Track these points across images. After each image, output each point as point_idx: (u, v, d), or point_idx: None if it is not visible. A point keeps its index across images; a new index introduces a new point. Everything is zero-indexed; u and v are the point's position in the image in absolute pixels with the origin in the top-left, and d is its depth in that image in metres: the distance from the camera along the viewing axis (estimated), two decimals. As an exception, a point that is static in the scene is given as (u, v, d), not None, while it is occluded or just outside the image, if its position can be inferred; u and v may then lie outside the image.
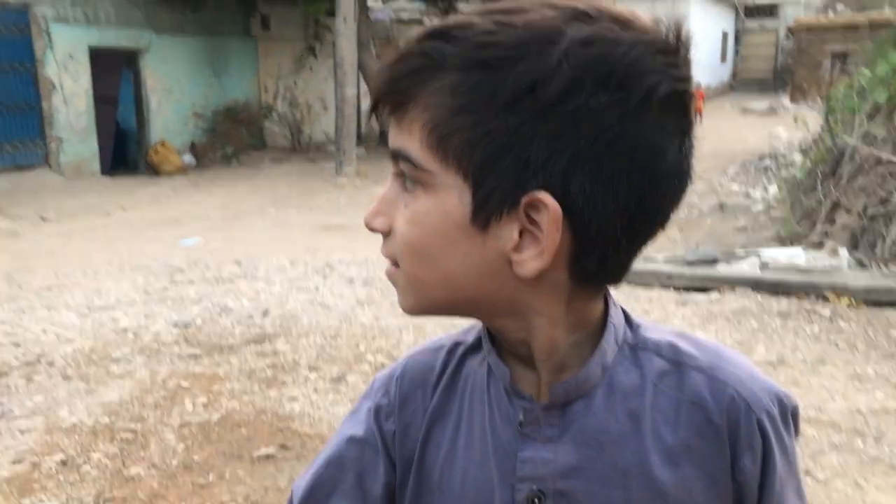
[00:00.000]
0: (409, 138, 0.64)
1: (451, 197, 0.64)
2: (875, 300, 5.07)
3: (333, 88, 13.31)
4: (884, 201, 6.02)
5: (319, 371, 4.20)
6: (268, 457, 3.26)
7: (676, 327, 0.77)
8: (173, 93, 14.45)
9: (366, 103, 16.55)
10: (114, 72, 13.62)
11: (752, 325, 4.75)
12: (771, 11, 33.31)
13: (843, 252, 5.75)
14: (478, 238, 0.64)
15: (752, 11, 33.57)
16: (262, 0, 15.11)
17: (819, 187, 6.71)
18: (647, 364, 0.72)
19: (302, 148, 16.44)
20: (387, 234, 0.69)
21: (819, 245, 6.11)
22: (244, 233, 8.36)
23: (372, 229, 0.70)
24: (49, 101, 12.41)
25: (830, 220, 6.41)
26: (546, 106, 0.60)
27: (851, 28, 26.31)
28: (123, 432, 3.48)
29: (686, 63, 0.64)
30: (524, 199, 0.62)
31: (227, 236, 8.15)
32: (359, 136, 14.65)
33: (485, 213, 0.63)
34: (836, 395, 3.74)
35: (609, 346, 0.71)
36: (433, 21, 0.72)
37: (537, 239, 0.63)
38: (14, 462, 3.23)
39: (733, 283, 5.51)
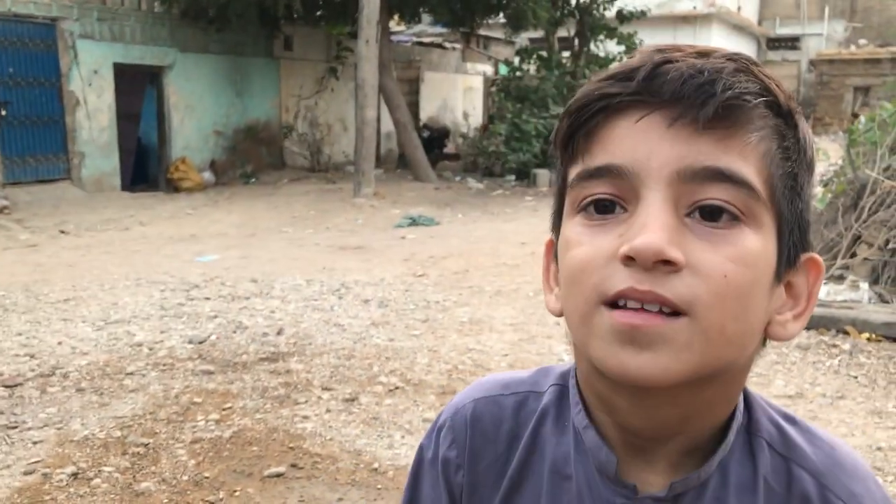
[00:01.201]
0: (742, 162, 0.57)
1: (771, 241, 0.59)
2: (895, 336, 5.00)
3: (354, 110, 13.39)
4: (905, 236, 5.96)
5: (332, 391, 4.18)
6: (278, 476, 3.24)
7: (783, 406, 0.72)
8: (195, 110, 14.61)
9: (385, 125, 16.69)
10: (138, 88, 13.79)
11: (771, 357, 4.69)
12: (793, 43, 33.33)
13: (864, 286, 5.69)
14: (770, 292, 0.60)
15: (774, 43, 33.61)
16: (285, 21, 15.27)
17: (840, 220, 6.65)
18: (760, 455, 0.66)
19: (321, 168, 16.53)
20: (677, 270, 0.56)
21: (840, 279, 6.04)
22: (261, 251, 8.39)
23: (663, 259, 0.55)
24: (73, 116, 12.57)
25: (851, 253, 6.35)
26: (812, 172, 0.63)
27: (873, 62, 26.32)
28: (135, 446, 3.47)
29: None
30: (802, 259, 0.62)
31: (244, 254, 8.18)
32: (378, 158, 14.73)
33: (783, 266, 0.61)
34: (856, 431, 3.68)
35: (733, 437, 0.66)
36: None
37: (788, 303, 0.62)
38: (25, 473, 3.23)
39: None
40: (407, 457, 3.42)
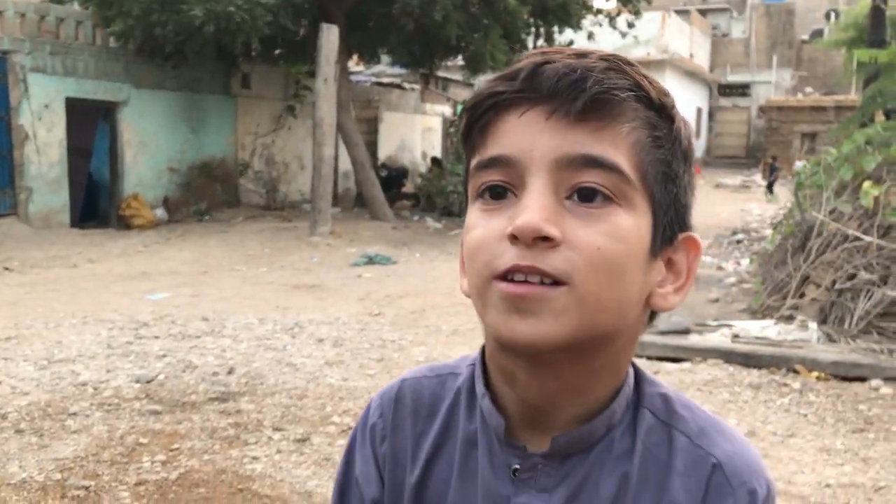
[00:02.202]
0: (613, 150, 0.64)
1: (644, 219, 0.66)
2: (843, 374, 5.09)
3: (311, 148, 13.38)
4: (851, 277, 6.10)
5: (284, 431, 4.09)
6: (225, 519, 3.14)
7: (673, 387, 0.77)
8: (149, 147, 14.44)
9: (343, 164, 16.69)
10: (90, 123, 13.60)
11: (723, 395, 4.73)
12: (743, 90, 34.35)
13: (813, 326, 5.79)
14: (647, 266, 0.67)
15: (725, 89, 34.59)
16: (243, 59, 15.26)
17: (789, 261, 6.79)
18: (643, 423, 0.72)
19: (277, 206, 16.43)
20: (554, 246, 0.63)
21: (789, 318, 6.15)
22: (213, 289, 8.25)
23: (541, 236, 0.63)
24: (21, 150, 12.32)
25: (800, 293, 6.47)
26: (689, 161, 0.70)
27: (819, 109, 27.22)
28: (75, 489, 3.34)
29: None
30: (680, 238, 0.69)
31: (196, 292, 8.03)
32: (334, 197, 14.69)
33: (658, 244, 0.67)
34: (806, 468, 3.70)
35: (619, 406, 0.72)
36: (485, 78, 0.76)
37: (669, 277, 0.69)
38: (-44, 519, 3.08)
39: (705, 353, 5.51)
40: (359, 498, 3.34)
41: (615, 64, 0.65)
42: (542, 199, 0.63)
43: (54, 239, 11.76)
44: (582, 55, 0.66)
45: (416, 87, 21.07)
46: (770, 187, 19.52)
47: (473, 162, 0.69)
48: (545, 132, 0.64)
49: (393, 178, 18.60)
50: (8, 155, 12.22)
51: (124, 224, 13.59)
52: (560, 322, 0.63)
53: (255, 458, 3.73)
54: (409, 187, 19.30)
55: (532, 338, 0.64)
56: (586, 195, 0.64)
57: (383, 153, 19.88)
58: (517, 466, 0.71)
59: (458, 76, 20.79)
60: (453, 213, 15.54)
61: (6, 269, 9.37)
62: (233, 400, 4.56)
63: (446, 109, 22.02)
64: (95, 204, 14.22)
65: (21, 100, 12.25)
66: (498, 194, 0.66)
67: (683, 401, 0.75)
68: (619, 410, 0.71)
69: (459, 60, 16.69)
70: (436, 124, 21.81)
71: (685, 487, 0.69)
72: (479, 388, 0.74)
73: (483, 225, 0.66)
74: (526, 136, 0.64)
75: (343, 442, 3.91)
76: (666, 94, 0.67)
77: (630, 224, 0.64)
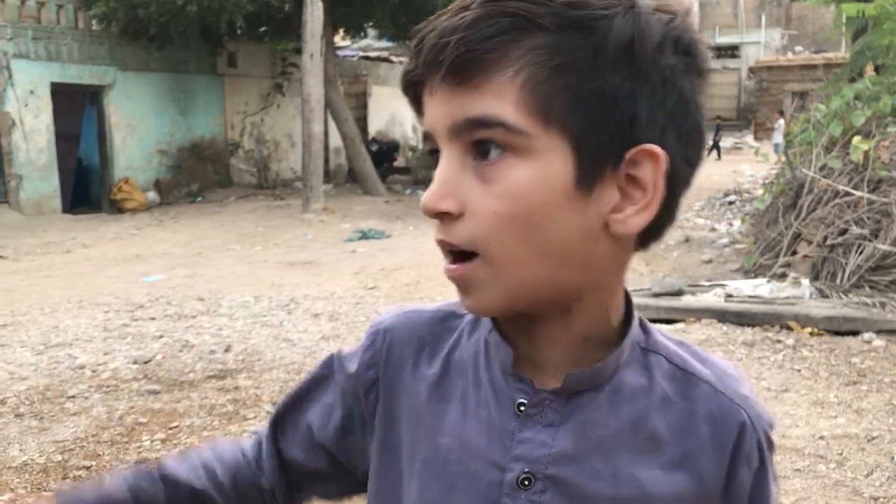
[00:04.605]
0: (497, 103, 0.60)
1: (554, 161, 0.61)
2: (836, 329, 5.12)
3: (301, 125, 13.31)
4: (842, 232, 6.12)
5: (282, 406, 4.11)
6: (226, 493, 3.17)
7: (681, 338, 0.77)
8: (138, 130, 14.36)
9: (333, 140, 16.63)
10: (76, 108, 13.52)
11: (718, 354, 4.74)
12: (732, 52, 34.16)
13: (805, 282, 5.82)
14: (580, 202, 0.62)
15: (714, 51, 34.33)
16: (228, 38, 15.12)
17: (781, 220, 6.81)
18: (657, 368, 0.72)
19: (268, 185, 16.38)
20: (457, 217, 0.63)
21: (782, 276, 6.18)
22: (208, 269, 8.25)
23: (438, 213, 0.63)
24: (9, 138, 12.26)
25: (792, 251, 6.50)
26: (642, 64, 0.61)
27: (809, 68, 27.09)
28: (76, 470, 3.37)
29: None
30: (629, 154, 0.62)
31: (191, 273, 8.03)
32: (326, 173, 14.65)
33: (590, 174, 0.62)
34: (800, 422, 3.75)
35: (628, 344, 0.71)
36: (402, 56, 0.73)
37: (634, 196, 0.63)
38: (-40, 503, 3.11)
39: (699, 313, 5.54)
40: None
41: (494, 7, 0.60)
42: (441, 173, 0.64)
43: (47, 225, 11.73)
44: (463, 7, 0.61)
45: (404, 60, 20.90)
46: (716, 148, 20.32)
47: None
48: (437, 104, 0.63)
49: (384, 152, 18.53)
50: (-5, 143, 12.16)
51: (116, 208, 13.55)
52: (488, 294, 0.64)
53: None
54: (400, 161, 19.25)
55: (475, 310, 0.66)
56: (481, 154, 0.62)
57: (373, 128, 19.80)
58: (523, 401, 0.70)
59: (445, 47, 20.62)
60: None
61: (0, 256, 9.36)
62: (230, 377, 4.58)
63: (435, 81, 21.87)
64: (87, 189, 14.17)
65: (5, 86, 12.17)
66: (437, 160, 0.67)
67: (696, 351, 0.75)
68: (627, 350, 0.70)
69: (446, 31, 16.56)
70: (425, 97, 21.68)
71: (712, 434, 0.70)
72: (487, 324, 0.74)
73: None
74: (429, 111, 0.65)
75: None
76: (576, 4, 0.60)
77: (529, 174, 0.61)
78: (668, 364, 0.72)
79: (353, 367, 0.81)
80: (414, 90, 0.67)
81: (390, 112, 20.52)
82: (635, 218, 0.63)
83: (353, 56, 20.07)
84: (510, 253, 0.62)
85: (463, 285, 0.65)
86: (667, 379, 0.71)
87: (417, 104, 0.67)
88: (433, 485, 0.73)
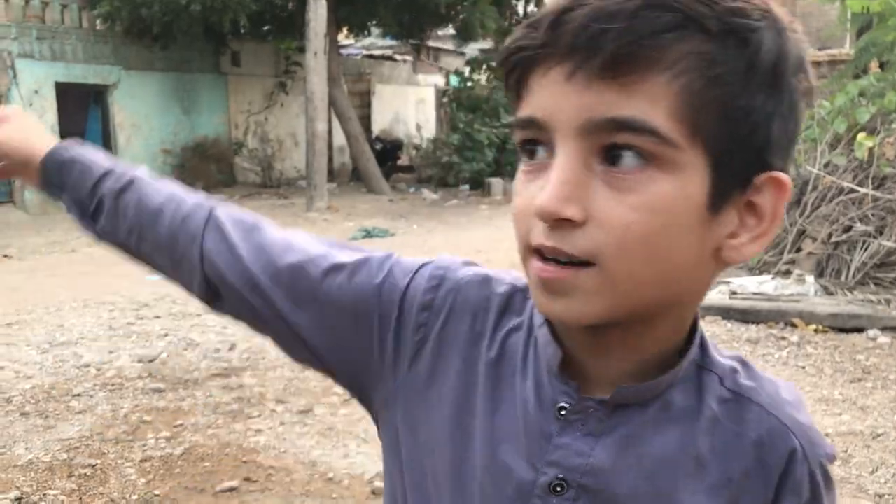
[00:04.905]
0: (648, 106, 0.55)
1: (695, 178, 0.57)
2: (840, 326, 5.12)
3: (304, 124, 13.32)
4: (847, 229, 6.11)
5: (286, 404, 4.12)
6: (231, 490, 3.18)
7: (738, 353, 0.74)
8: (142, 129, 14.38)
9: (337, 139, 16.63)
10: (81, 108, 13.55)
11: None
12: (735, 49, 34.06)
13: (810, 279, 5.81)
14: (707, 225, 0.59)
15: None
16: (232, 37, 15.14)
17: (785, 216, 6.79)
18: (709, 388, 0.68)
19: (272, 184, 16.39)
20: (578, 225, 0.57)
21: (786, 273, 6.17)
22: (212, 267, 8.25)
23: (559, 219, 0.57)
24: (15, 138, 12.27)
25: (797, 248, 6.49)
26: (783, 85, 0.59)
27: (814, 64, 26.90)
28: (82, 468, 3.38)
29: None
30: (758, 180, 0.59)
31: (195, 271, 8.04)
32: (330, 172, 14.66)
33: (722, 196, 0.58)
34: (805, 420, 3.74)
35: (687, 362, 0.67)
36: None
37: (749, 223, 0.60)
38: (-34, 501, 3.13)
39: (703, 311, 5.51)
40: (363, 465, 3.39)
41: None
42: (563, 173, 0.57)
43: (52, 225, 11.75)
44: None
45: (408, 58, 20.91)
46: None
47: (513, 118, 0.63)
48: (568, 94, 0.56)
49: (388, 150, 18.54)
50: (0, 143, 12.18)
51: (121, 207, 13.57)
52: (592, 302, 0.59)
53: (258, 431, 3.77)
54: (404, 159, 19.25)
55: (565, 316, 0.60)
56: (617, 160, 0.56)
57: (377, 126, 19.79)
58: (565, 405, 0.67)
59: (449, 45, 20.64)
60: (449, 183, 15.53)
61: (5, 256, 9.38)
62: (235, 375, 4.59)
63: (439, 80, 21.88)
64: (91, 189, 14.19)
65: (10, 86, 12.19)
66: (532, 152, 0.61)
67: (751, 369, 0.71)
68: (686, 366, 0.67)
69: (450, 30, 16.56)
70: (429, 95, 21.68)
71: (758, 458, 0.67)
72: (538, 318, 0.69)
73: (522, 192, 0.61)
74: (550, 98, 0.58)
75: (345, 412, 3.95)
76: (738, 11, 0.56)
77: (671, 190, 0.56)
78: (720, 385, 0.68)
79: (403, 283, 0.75)
80: (521, 68, 0.60)
81: (394, 110, 20.52)
82: (750, 246, 0.61)
83: (356, 54, 20.08)
84: (632, 269, 0.57)
85: (559, 289, 0.59)
86: (717, 400, 0.68)
87: (517, 85, 0.61)
88: (467, 465, 0.70)
